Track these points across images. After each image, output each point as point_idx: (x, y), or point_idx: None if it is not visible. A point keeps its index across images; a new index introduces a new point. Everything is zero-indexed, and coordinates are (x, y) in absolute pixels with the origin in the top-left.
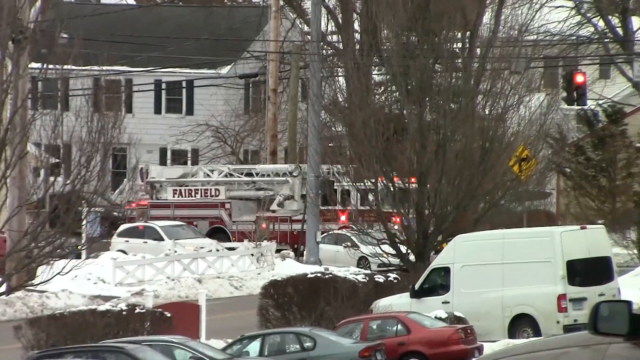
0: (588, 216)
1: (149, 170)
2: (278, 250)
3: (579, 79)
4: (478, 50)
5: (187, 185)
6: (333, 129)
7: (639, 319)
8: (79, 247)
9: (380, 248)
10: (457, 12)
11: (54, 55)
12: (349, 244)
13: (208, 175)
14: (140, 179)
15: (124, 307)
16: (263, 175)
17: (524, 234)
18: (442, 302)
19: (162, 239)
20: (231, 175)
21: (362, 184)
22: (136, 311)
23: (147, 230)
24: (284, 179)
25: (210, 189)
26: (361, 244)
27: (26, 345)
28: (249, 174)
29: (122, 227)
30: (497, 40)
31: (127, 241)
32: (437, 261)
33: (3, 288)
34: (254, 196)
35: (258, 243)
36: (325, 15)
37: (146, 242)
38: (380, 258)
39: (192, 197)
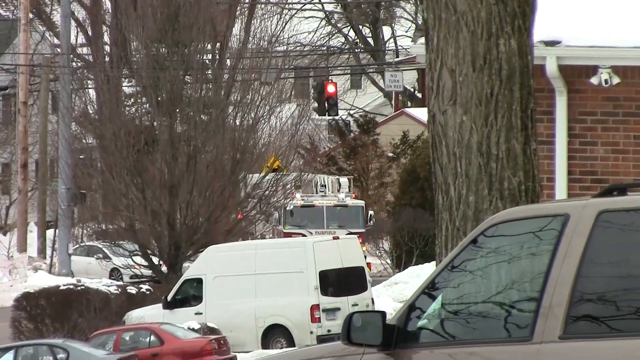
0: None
1: None
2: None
3: (330, 89)
4: (228, 62)
5: None
6: (84, 141)
7: (392, 329)
8: None
9: (133, 259)
10: (207, 23)
11: None
12: (100, 255)
13: None
14: None
15: None
16: None
17: (276, 245)
18: (195, 313)
19: None
20: None
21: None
22: None
23: None
24: None
25: None
26: (113, 255)
27: None
28: None
29: None
30: (247, 51)
31: None
32: (190, 272)
33: None
34: None
35: (10, 255)
36: (75, 28)
37: None
38: (132, 269)
39: None
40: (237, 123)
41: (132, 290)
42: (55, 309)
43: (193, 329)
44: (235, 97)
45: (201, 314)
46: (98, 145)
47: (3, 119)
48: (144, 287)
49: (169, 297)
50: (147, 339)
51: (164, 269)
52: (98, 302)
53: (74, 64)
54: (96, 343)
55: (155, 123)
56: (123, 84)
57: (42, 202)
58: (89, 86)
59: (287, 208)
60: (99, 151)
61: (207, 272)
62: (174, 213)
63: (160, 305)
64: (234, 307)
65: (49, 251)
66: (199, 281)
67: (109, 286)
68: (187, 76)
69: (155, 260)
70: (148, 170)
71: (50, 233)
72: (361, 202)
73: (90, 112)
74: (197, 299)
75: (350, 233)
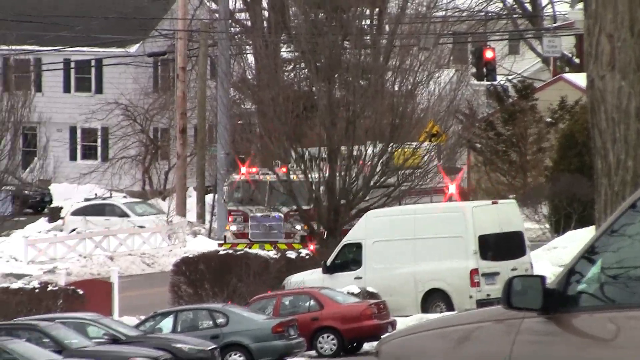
0: (499, 191)
1: None
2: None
3: (488, 54)
4: (387, 27)
5: None
6: (242, 106)
7: (552, 293)
8: None
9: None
10: None
11: None
12: None
13: None
14: None
15: (37, 285)
16: None
17: (435, 210)
18: (355, 278)
19: (127, 215)
20: None
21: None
22: (49, 289)
23: (107, 208)
24: None
25: None
26: None
27: None
28: None
29: (77, 205)
30: (405, 17)
31: (85, 219)
32: (349, 237)
33: None
34: None
35: (170, 220)
36: None
37: (108, 219)
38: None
39: None
40: (396, 88)
41: (291, 254)
42: (215, 274)
43: (352, 294)
44: (394, 63)
45: (360, 278)
46: (256, 111)
47: (162, 84)
48: (303, 252)
49: (329, 262)
50: (307, 304)
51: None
52: (257, 266)
53: (232, 29)
54: (256, 308)
55: (313, 88)
56: (281, 50)
57: (201, 167)
58: (247, 51)
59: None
60: (257, 116)
61: (366, 236)
62: (333, 178)
63: (319, 269)
64: (393, 271)
65: (207, 216)
66: (358, 246)
67: (268, 250)
68: (345, 41)
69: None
70: (307, 136)
71: (209, 198)
72: (309, 177)
73: (249, 77)
74: (357, 263)
75: (292, 211)
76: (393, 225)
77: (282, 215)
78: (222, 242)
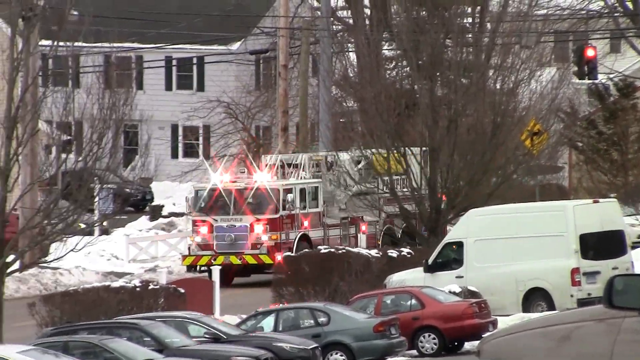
0: (600, 190)
1: None
2: None
3: (590, 53)
4: (488, 25)
5: None
6: (344, 104)
7: None
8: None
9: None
10: None
11: (64, 32)
12: None
13: None
14: None
15: (138, 284)
16: None
17: (536, 208)
18: (456, 277)
19: None
20: None
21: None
22: (150, 287)
23: None
24: None
25: None
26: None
27: (40, 322)
28: None
29: None
30: (507, 15)
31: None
32: (451, 236)
33: (16, 265)
34: None
35: None
36: None
37: None
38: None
39: None
40: (497, 86)
41: (392, 253)
42: (316, 273)
43: (454, 293)
44: (495, 61)
45: (462, 277)
46: (358, 109)
47: (263, 82)
48: (405, 251)
49: (430, 261)
50: (408, 303)
51: (424, 232)
52: (359, 265)
53: (333, 27)
54: (357, 306)
55: (415, 86)
56: (383, 47)
57: None
58: (349, 49)
59: (191, 192)
60: (359, 114)
61: (468, 235)
62: (435, 176)
63: (420, 268)
64: (494, 270)
65: None
66: (459, 244)
67: (370, 249)
68: (447, 39)
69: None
70: (408, 134)
71: None
72: (277, 184)
73: (351, 75)
74: (458, 262)
75: (258, 220)
76: (495, 224)
77: (248, 225)
78: (186, 254)
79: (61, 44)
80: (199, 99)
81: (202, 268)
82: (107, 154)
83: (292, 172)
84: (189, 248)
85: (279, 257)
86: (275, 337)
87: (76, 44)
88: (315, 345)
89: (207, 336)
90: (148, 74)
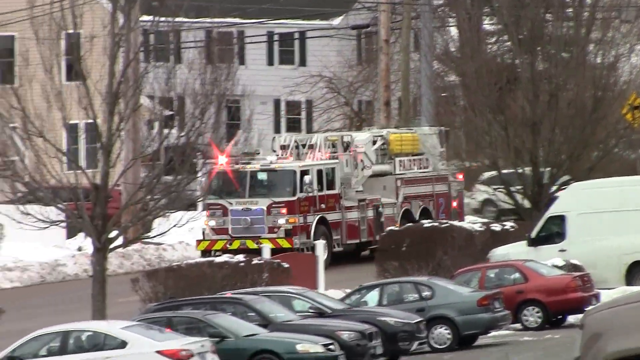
0: None
1: None
2: None
3: None
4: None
5: None
6: (446, 79)
7: None
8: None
9: (496, 196)
10: None
11: (165, 7)
12: None
13: None
14: None
15: (242, 259)
16: None
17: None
18: (559, 250)
19: None
20: None
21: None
22: (254, 262)
23: None
24: None
25: None
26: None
27: (144, 298)
28: None
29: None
30: None
31: None
32: (553, 209)
33: (120, 241)
34: None
35: None
36: None
37: None
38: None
39: None
40: (598, 61)
41: (495, 227)
42: (420, 247)
43: (557, 266)
44: (595, 35)
45: (565, 250)
46: (460, 83)
47: (365, 57)
48: (508, 225)
49: (533, 234)
50: (512, 276)
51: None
52: (462, 239)
53: (435, 1)
54: (461, 280)
55: (516, 61)
56: (484, 22)
57: None
58: (450, 24)
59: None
60: (461, 89)
61: (570, 209)
62: (536, 151)
63: (523, 242)
64: (597, 243)
65: None
66: (562, 218)
67: (473, 223)
68: (547, 14)
69: (518, 197)
70: (510, 108)
71: None
72: (294, 166)
73: (452, 49)
74: (561, 236)
75: (275, 203)
76: (598, 197)
77: (264, 209)
78: (200, 239)
79: (162, 19)
80: (301, 73)
81: (217, 253)
82: (209, 129)
83: (307, 153)
84: (203, 232)
85: (296, 240)
86: (379, 312)
87: (177, 19)
88: (419, 319)
89: (311, 311)
90: (250, 49)
